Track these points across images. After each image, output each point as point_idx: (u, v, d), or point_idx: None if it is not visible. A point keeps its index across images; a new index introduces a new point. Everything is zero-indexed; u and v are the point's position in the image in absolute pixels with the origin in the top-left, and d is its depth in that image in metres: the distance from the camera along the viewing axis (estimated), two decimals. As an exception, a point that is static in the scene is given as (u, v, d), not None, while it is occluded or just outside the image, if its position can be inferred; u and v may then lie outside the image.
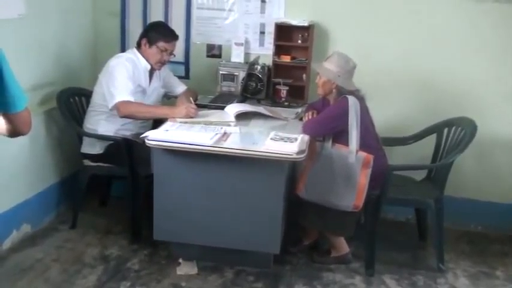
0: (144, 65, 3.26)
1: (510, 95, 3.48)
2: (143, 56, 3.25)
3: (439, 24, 3.47)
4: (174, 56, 3.38)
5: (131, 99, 3.11)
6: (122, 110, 3.09)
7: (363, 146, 2.86)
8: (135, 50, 3.29)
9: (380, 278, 3.05)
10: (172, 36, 3.29)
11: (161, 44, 3.23)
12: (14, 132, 1.75)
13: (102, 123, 3.25)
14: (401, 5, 3.49)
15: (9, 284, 2.76)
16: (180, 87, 3.52)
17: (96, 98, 3.27)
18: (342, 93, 2.92)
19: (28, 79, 3.18)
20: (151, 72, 3.33)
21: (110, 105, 3.11)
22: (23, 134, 1.79)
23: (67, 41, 3.59)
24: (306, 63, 3.54)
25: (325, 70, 2.95)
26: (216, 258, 3.05)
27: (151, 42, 3.23)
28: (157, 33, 3.24)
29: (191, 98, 3.25)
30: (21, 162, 3.14)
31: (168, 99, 3.57)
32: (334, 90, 2.97)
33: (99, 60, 3.68)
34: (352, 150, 2.83)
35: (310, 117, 3.07)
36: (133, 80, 3.18)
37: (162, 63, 3.30)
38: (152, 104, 3.36)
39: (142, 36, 3.28)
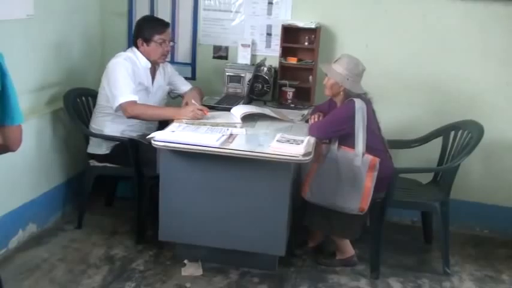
0: (144, 63, 3.25)
1: (517, 98, 3.48)
2: (143, 55, 3.25)
3: (445, 28, 3.46)
4: (174, 43, 3.37)
5: (135, 98, 3.12)
6: (129, 111, 3.10)
7: (369, 148, 2.85)
8: (134, 49, 3.27)
9: (385, 280, 3.04)
10: (164, 25, 3.28)
11: (157, 38, 3.21)
12: (3, 148, 1.68)
13: (107, 125, 3.26)
14: (407, 8, 3.48)
15: (15, 284, 2.77)
16: (185, 86, 3.52)
17: (100, 100, 3.28)
18: (349, 95, 2.92)
19: (35, 79, 3.21)
20: (153, 70, 3.33)
21: (114, 106, 3.12)
22: (12, 151, 1.71)
23: (74, 41, 3.60)
24: (312, 65, 3.54)
25: (334, 72, 2.94)
26: (221, 260, 3.05)
27: (147, 40, 3.22)
28: (149, 29, 3.23)
29: (195, 101, 3.25)
30: (27, 162, 3.15)
31: (173, 98, 3.56)
32: (341, 93, 2.96)
33: (106, 61, 3.65)
34: (358, 153, 2.83)
35: (316, 119, 3.07)
36: (134, 78, 3.17)
37: (165, 54, 3.30)
38: (158, 102, 3.37)
39: (136, 37, 3.26)
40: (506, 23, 3.37)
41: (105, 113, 3.26)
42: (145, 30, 3.23)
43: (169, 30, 3.32)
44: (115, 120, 3.23)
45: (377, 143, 2.95)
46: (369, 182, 2.83)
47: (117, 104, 3.10)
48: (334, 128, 2.92)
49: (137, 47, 3.26)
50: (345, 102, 2.94)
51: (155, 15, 3.80)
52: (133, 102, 3.11)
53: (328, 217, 2.94)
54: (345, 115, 2.89)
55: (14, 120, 1.64)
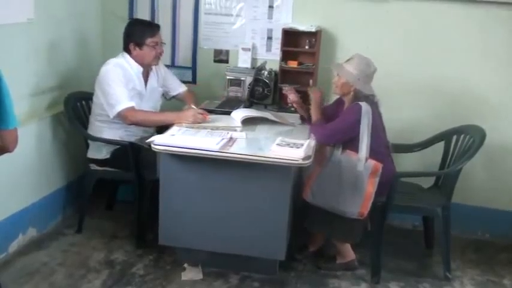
0: (136, 68, 3.23)
1: (520, 101, 3.47)
2: (136, 60, 3.22)
3: (448, 30, 3.46)
4: (165, 43, 3.36)
5: (133, 103, 3.12)
6: (130, 118, 3.10)
7: (373, 152, 2.84)
8: (125, 54, 3.24)
9: (386, 285, 3.03)
10: (154, 28, 3.27)
11: (149, 41, 3.19)
12: (1, 148, 1.72)
13: (105, 131, 3.24)
14: (409, 11, 3.48)
15: (15, 288, 2.78)
16: (180, 88, 3.52)
17: (95, 109, 3.26)
18: (359, 95, 2.90)
19: (36, 82, 3.21)
20: (146, 74, 3.31)
21: (112, 115, 3.11)
22: (9, 152, 1.75)
23: (75, 45, 3.61)
24: (313, 69, 3.54)
25: (346, 72, 2.92)
26: (221, 264, 3.04)
27: (140, 44, 3.19)
28: (140, 32, 3.20)
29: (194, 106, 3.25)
30: (27, 166, 3.15)
31: (168, 99, 3.54)
32: (352, 93, 2.94)
33: (106, 65, 3.69)
34: (361, 157, 2.82)
35: (289, 93, 3.18)
36: (126, 84, 3.16)
37: (159, 56, 3.29)
38: (154, 105, 3.36)
39: (127, 41, 3.23)
40: (508, 26, 3.36)
41: (100, 120, 3.24)
42: (137, 34, 3.20)
43: (160, 32, 3.30)
44: (112, 126, 3.22)
45: (380, 146, 2.93)
46: (370, 188, 2.82)
47: (115, 112, 3.09)
48: (341, 135, 2.89)
49: (128, 52, 3.23)
50: (351, 105, 2.92)
51: (156, 19, 3.81)
52: (132, 109, 3.11)
53: (329, 220, 2.93)
54: (352, 119, 2.85)
55: (9, 124, 1.68)
